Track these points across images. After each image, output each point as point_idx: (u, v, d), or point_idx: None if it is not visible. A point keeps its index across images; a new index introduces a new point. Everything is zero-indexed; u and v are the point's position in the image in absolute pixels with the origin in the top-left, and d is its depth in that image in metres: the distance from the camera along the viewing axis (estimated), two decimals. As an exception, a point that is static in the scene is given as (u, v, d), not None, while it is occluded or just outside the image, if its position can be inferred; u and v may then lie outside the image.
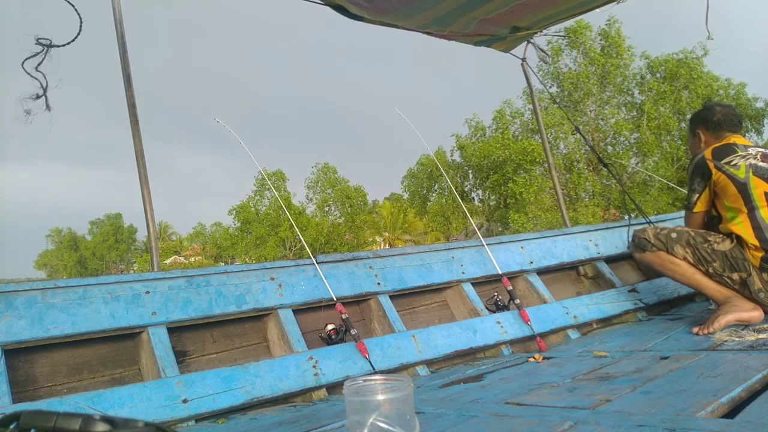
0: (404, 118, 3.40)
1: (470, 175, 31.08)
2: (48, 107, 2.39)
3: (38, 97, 2.36)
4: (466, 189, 31.37)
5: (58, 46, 2.37)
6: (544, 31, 3.92)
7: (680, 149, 25.22)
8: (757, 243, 2.56)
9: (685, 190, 2.95)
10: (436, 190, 34.40)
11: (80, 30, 2.40)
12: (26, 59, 2.33)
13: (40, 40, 2.33)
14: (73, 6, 2.40)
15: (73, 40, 2.41)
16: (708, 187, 2.75)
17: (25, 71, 2.33)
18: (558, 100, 24.72)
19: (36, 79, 2.35)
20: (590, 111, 25.67)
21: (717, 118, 2.89)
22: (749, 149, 2.70)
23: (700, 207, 2.81)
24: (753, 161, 2.64)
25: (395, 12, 3.23)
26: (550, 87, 25.03)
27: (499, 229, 29.79)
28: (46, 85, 2.36)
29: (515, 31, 3.68)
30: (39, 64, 2.34)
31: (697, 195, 2.79)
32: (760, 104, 26.62)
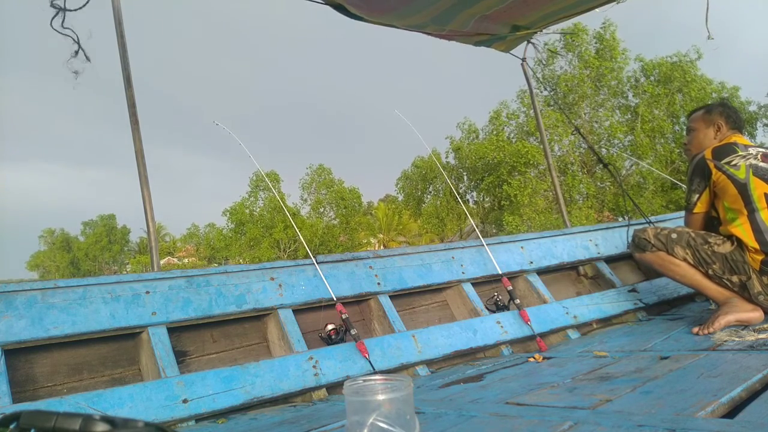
0: (404, 120, 3.40)
1: (465, 177, 31.12)
2: (87, 59, 2.54)
3: (76, 53, 2.51)
4: (461, 191, 31.39)
5: (71, 10, 2.49)
6: (545, 31, 3.92)
7: (674, 152, 25.31)
8: (757, 246, 2.55)
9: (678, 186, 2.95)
10: (430, 192, 34.43)
11: None
12: (52, 18, 2.44)
13: (54, 3, 2.43)
14: None
15: (85, 5, 2.52)
16: (708, 188, 2.73)
17: (55, 29, 2.46)
18: (553, 103, 24.77)
19: (67, 36, 2.49)
20: (585, 113, 25.74)
21: (737, 116, 2.89)
22: (749, 149, 2.68)
23: (700, 208, 2.79)
24: (753, 161, 2.62)
25: (394, 12, 3.23)
26: (544, 90, 25.14)
27: (494, 230, 29.79)
28: (78, 39, 2.50)
29: (515, 30, 3.68)
30: (62, 21, 2.47)
31: (698, 195, 2.77)
32: (753, 108, 26.78)
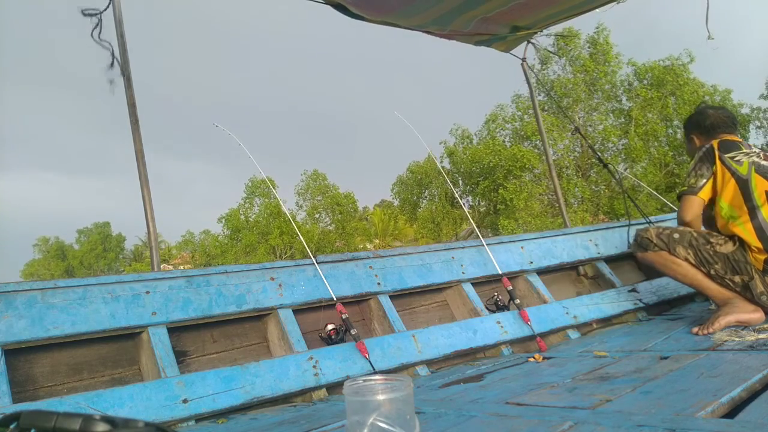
0: (403, 120, 3.40)
1: (460, 182, 31.18)
2: (123, 73, 2.62)
3: (111, 65, 2.59)
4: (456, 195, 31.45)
5: (101, 12, 2.56)
6: (545, 31, 3.94)
7: (668, 155, 25.41)
8: (760, 245, 2.54)
9: (668, 202, 2.95)
10: (426, 197, 34.50)
11: None
12: (93, 29, 2.54)
13: (85, 12, 2.51)
14: None
15: (108, 5, 2.60)
16: (714, 175, 2.72)
17: (95, 40, 2.55)
18: (548, 107, 24.86)
19: (105, 48, 2.60)
20: (579, 117, 25.83)
21: (709, 122, 2.90)
22: (753, 148, 2.72)
23: (705, 194, 2.74)
24: (756, 159, 2.65)
25: (395, 11, 3.24)
26: (539, 94, 25.25)
27: (490, 235, 29.80)
28: (113, 51, 2.58)
29: (515, 30, 3.69)
30: (99, 33, 2.56)
31: (705, 180, 2.73)
32: (745, 110, 26.94)
